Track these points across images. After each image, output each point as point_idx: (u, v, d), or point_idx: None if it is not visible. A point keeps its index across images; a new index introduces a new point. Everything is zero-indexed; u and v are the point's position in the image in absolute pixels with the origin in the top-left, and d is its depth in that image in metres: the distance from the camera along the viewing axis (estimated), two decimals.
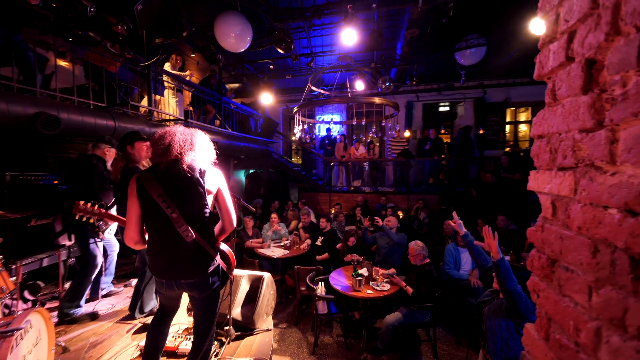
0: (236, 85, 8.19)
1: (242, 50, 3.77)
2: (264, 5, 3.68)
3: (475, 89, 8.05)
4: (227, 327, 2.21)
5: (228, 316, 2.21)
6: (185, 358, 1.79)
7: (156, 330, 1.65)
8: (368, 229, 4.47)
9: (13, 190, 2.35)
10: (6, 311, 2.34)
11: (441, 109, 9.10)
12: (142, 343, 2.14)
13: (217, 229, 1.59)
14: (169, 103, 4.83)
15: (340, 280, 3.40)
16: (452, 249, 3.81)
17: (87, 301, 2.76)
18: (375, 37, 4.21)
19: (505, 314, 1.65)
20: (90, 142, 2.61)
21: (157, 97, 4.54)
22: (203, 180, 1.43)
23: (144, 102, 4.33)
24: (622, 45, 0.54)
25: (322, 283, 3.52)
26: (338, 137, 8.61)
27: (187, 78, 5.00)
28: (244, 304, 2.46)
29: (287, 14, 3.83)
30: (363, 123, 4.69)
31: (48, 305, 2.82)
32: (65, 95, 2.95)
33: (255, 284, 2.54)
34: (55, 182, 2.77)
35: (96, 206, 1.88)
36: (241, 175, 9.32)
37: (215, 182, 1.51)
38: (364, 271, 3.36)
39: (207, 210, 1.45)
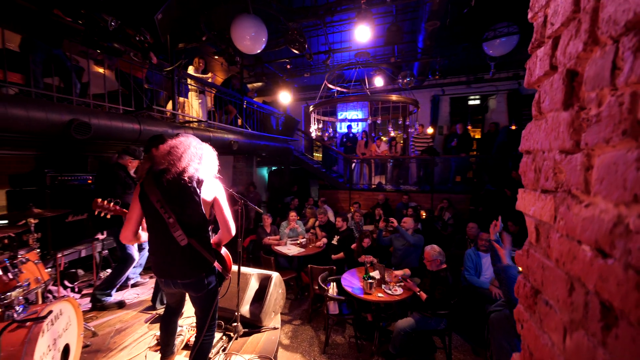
0: (258, 84, 8.36)
1: (258, 51, 3.84)
2: (276, 5, 3.70)
3: (509, 80, 7.43)
4: (235, 324, 2.30)
5: (236, 313, 2.30)
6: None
7: (165, 326, 1.80)
8: (384, 230, 4.37)
9: (52, 189, 2.64)
10: (50, 296, 2.64)
11: (471, 102, 8.55)
12: (159, 333, 2.31)
13: (217, 236, 1.68)
14: (192, 105, 5.07)
15: (352, 281, 3.38)
16: (472, 254, 3.60)
17: (117, 290, 3.03)
18: (394, 31, 4.03)
19: (511, 329, 1.53)
20: (119, 147, 2.81)
21: (182, 99, 4.79)
22: (199, 189, 1.50)
23: (170, 104, 4.59)
24: (598, 57, 0.47)
25: (334, 284, 3.52)
26: (359, 134, 8.47)
27: (209, 80, 5.20)
28: (252, 301, 2.55)
29: (300, 13, 3.81)
30: (379, 122, 4.55)
31: (85, 292, 3.14)
32: (97, 102, 3.22)
33: (264, 283, 2.61)
34: (89, 181, 3.05)
35: (112, 203, 2.03)
36: (264, 172, 9.56)
37: (212, 192, 1.58)
38: (375, 274, 3.30)
39: (203, 218, 1.52)
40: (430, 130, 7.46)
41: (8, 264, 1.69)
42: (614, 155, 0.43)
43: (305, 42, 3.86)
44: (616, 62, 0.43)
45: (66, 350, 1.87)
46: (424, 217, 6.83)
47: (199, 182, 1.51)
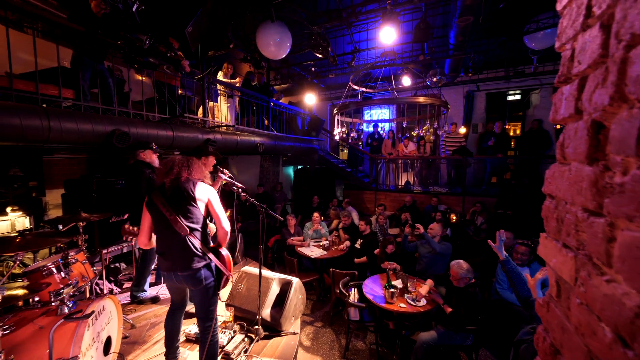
0: (284, 85, 8.47)
1: (283, 56, 3.88)
2: (300, 11, 3.70)
3: (555, 74, 6.72)
4: (256, 327, 2.39)
5: (258, 317, 2.39)
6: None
7: (168, 321, 2.00)
8: (409, 236, 4.25)
9: (98, 193, 2.93)
10: (96, 288, 2.95)
11: (510, 97, 7.90)
12: (188, 329, 2.49)
13: (218, 235, 1.90)
14: (221, 109, 5.29)
15: (374, 288, 3.34)
16: None
17: (152, 285, 3.30)
18: (423, 29, 3.82)
19: None
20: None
21: (212, 103, 5.02)
22: (194, 189, 1.77)
23: (201, 109, 4.84)
24: (625, 118, 0.41)
25: (356, 289, 3.50)
26: (385, 133, 8.25)
27: (237, 85, 5.38)
28: (273, 305, 2.63)
29: (324, 17, 3.77)
30: (404, 125, 4.37)
31: (126, 285, 3.46)
32: (137, 110, 3.49)
33: (285, 288, 2.67)
34: (121, 181, 3.33)
35: (136, 228, 2.23)
36: (290, 171, 9.73)
37: (206, 193, 1.83)
38: (398, 283, 3.23)
39: (199, 214, 1.79)
40: (462, 130, 7.02)
41: (61, 264, 1.92)
42: (637, 238, 0.38)
43: (328, 46, 3.83)
44: None
45: (108, 341, 2.08)
46: (454, 221, 6.51)
47: (194, 183, 1.79)
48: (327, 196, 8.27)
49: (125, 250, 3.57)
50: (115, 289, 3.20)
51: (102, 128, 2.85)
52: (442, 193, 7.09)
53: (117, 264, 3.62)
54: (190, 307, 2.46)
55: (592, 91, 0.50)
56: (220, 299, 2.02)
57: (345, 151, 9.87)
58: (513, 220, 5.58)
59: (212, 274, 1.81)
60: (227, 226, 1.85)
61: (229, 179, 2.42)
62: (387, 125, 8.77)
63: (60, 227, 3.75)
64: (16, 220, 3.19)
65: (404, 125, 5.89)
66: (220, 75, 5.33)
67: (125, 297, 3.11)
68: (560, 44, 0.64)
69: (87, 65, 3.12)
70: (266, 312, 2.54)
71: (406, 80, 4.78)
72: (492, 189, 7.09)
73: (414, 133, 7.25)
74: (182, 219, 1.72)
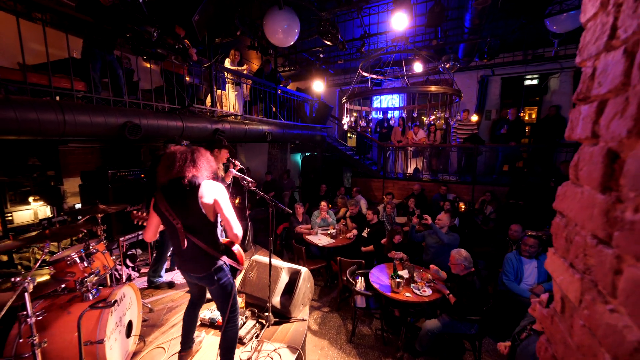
0: (292, 71, 8.31)
1: (291, 43, 3.79)
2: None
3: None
4: (267, 313, 2.51)
5: (268, 304, 2.50)
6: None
7: (187, 315, 2.05)
8: (417, 225, 4.26)
9: (113, 184, 3.03)
10: (116, 274, 3.11)
11: (527, 82, 7.57)
12: (202, 314, 2.62)
13: (227, 239, 1.86)
14: (229, 97, 5.27)
15: (380, 277, 3.41)
16: (513, 258, 3.37)
17: (167, 271, 3.46)
18: (437, 12, 3.64)
19: None
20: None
21: (219, 91, 5.00)
22: (199, 193, 1.62)
23: (209, 97, 4.83)
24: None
25: (362, 278, 3.58)
26: (395, 120, 8.09)
27: (245, 72, 5.32)
28: (283, 293, 2.73)
29: (333, 1, 3.62)
30: (414, 114, 4.27)
31: (143, 270, 3.64)
32: (146, 101, 3.52)
33: (294, 277, 2.77)
34: (142, 175, 3.42)
35: (145, 213, 2.31)
36: (298, 158, 9.74)
37: (212, 194, 1.67)
38: (404, 273, 3.28)
39: (206, 221, 1.67)
40: (474, 118, 6.81)
41: (83, 254, 2.03)
42: None
43: (337, 33, 3.70)
44: None
45: (130, 325, 2.22)
46: (463, 210, 6.47)
47: (197, 186, 1.63)
48: (335, 184, 8.29)
49: (140, 237, 3.73)
50: (133, 274, 3.36)
51: (115, 120, 2.90)
52: (452, 182, 7.01)
53: (134, 250, 3.79)
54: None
55: (610, 118, 0.49)
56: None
57: (354, 138, 9.76)
58: (524, 211, 5.51)
59: (226, 272, 1.80)
60: (238, 230, 1.75)
61: (239, 174, 2.46)
62: (396, 113, 8.58)
63: (80, 217, 3.92)
64: (38, 209, 3.36)
65: (414, 114, 5.75)
66: (227, 63, 5.27)
67: (143, 282, 3.28)
68: (581, 59, 0.62)
69: (96, 56, 3.14)
70: (276, 300, 2.64)
71: (418, 67, 4.62)
72: (504, 177, 6.97)
73: (425, 119, 7.08)
74: (190, 229, 1.66)
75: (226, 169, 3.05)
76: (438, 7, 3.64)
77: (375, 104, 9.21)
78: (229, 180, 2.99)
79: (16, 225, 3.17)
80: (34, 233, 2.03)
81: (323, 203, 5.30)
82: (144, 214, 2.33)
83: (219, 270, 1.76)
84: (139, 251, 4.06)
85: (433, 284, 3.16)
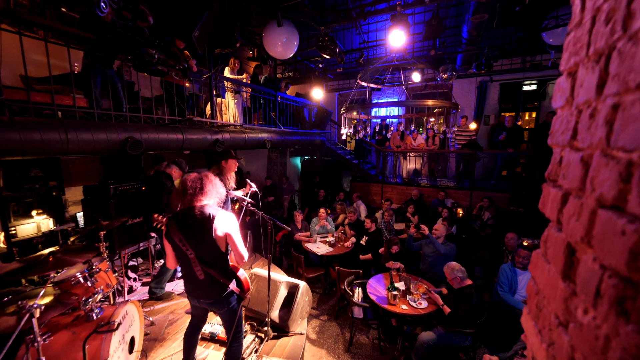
0: (291, 74, 8.34)
1: (290, 56, 3.83)
2: (308, 12, 3.59)
3: None
4: (266, 328, 2.57)
5: (267, 319, 2.56)
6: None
7: (188, 336, 2.10)
8: (413, 236, 4.32)
9: (115, 199, 3.08)
10: (119, 287, 3.17)
11: (525, 88, 7.60)
12: (203, 328, 2.68)
13: (235, 259, 1.91)
14: (229, 105, 5.31)
15: (377, 288, 3.47)
16: (507, 270, 3.43)
17: (168, 281, 3.52)
18: (434, 25, 3.67)
19: None
20: (166, 161, 3.15)
21: (219, 100, 5.05)
22: (213, 226, 1.68)
23: (209, 106, 4.87)
24: (589, 267, 0.46)
25: (360, 288, 3.64)
26: (393, 125, 8.13)
27: (244, 80, 5.36)
28: (281, 307, 2.79)
29: (332, 15, 3.65)
30: (411, 128, 4.31)
31: (144, 280, 3.70)
32: (146, 114, 3.57)
33: (292, 291, 2.83)
34: (143, 188, 3.47)
35: (165, 218, 2.37)
36: (297, 162, 9.79)
37: (224, 228, 1.73)
38: (400, 285, 3.34)
39: (218, 252, 1.75)
40: (473, 126, 6.84)
41: (87, 274, 2.08)
42: None
43: (336, 47, 3.74)
44: (600, 288, 0.43)
45: (132, 341, 2.29)
46: (460, 215, 6.54)
47: (212, 219, 1.68)
48: (334, 188, 8.34)
49: (142, 247, 3.80)
50: (135, 286, 3.43)
51: (116, 136, 2.95)
52: (450, 187, 7.06)
53: (135, 259, 3.85)
54: None
55: (570, 215, 0.54)
56: None
57: (353, 142, 9.81)
58: (524, 219, 5.56)
59: (235, 297, 1.87)
60: (245, 254, 1.82)
61: (239, 195, 2.51)
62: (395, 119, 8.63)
63: (82, 223, 3.97)
64: (41, 223, 3.42)
65: (411, 128, 5.81)
66: (227, 71, 5.31)
67: (144, 293, 3.34)
68: (551, 142, 0.67)
69: (97, 70, 3.18)
70: (275, 314, 2.71)
71: (416, 76, 4.65)
72: (502, 182, 7.02)
73: (424, 127, 7.11)
74: (203, 260, 1.71)
75: (241, 186, 3.08)
76: (435, 20, 3.67)
77: (374, 110, 9.24)
78: (242, 193, 2.99)
79: (20, 238, 3.23)
80: (38, 253, 2.06)
81: (322, 210, 5.35)
82: (164, 219, 2.41)
83: (230, 295, 1.84)
84: (140, 260, 4.13)
85: (429, 292, 3.22)
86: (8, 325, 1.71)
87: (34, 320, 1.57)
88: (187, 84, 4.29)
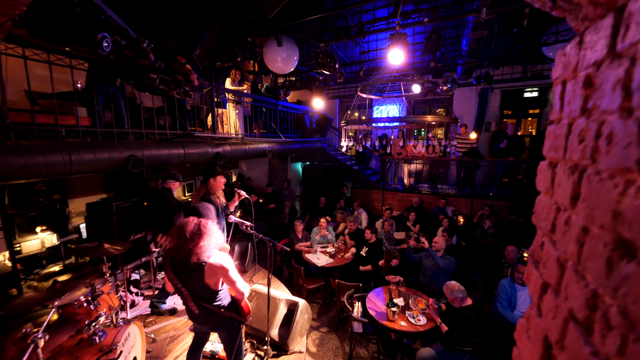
0: (292, 78, 8.35)
1: (291, 70, 3.86)
2: (308, 30, 3.62)
3: None
4: (265, 347, 2.60)
5: (267, 338, 2.59)
6: None
7: (190, 354, 2.16)
8: (413, 249, 4.33)
9: (118, 216, 3.13)
10: (122, 303, 3.21)
11: (527, 94, 7.59)
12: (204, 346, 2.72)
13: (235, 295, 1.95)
14: (230, 115, 5.36)
15: (377, 303, 3.49)
16: (507, 285, 3.44)
17: (171, 294, 3.56)
18: (434, 40, 3.68)
19: None
20: (160, 178, 3.23)
21: (220, 110, 5.09)
22: (204, 272, 1.73)
23: (210, 118, 4.92)
24: None
25: (359, 303, 3.66)
26: (394, 133, 8.15)
27: (245, 91, 5.40)
28: (281, 325, 2.82)
29: (331, 32, 3.68)
30: (411, 141, 4.32)
31: (146, 293, 3.74)
32: (148, 130, 3.62)
33: (292, 308, 2.86)
34: (145, 203, 3.52)
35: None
36: (298, 167, 9.83)
37: (219, 270, 1.77)
38: (399, 300, 3.36)
39: (211, 291, 1.80)
40: (473, 136, 6.84)
41: (90, 297, 2.13)
42: None
43: (335, 63, 3.77)
44: None
45: None
46: (461, 223, 6.55)
47: (203, 265, 1.73)
48: (335, 194, 8.37)
49: (144, 260, 3.84)
50: (137, 300, 3.47)
51: (118, 155, 2.99)
52: (451, 195, 7.07)
53: (138, 271, 3.90)
54: None
55: (547, 311, 0.56)
56: None
57: (354, 148, 9.83)
58: (525, 228, 5.56)
59: (234, 322, 1.93)
60: (244, 290, 1.86)
61: (239, 220, 2.55)
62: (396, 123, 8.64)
63: (85, 235, 4.03)
64: (45, 238, 3.47)
65: (412, 141, 5.84)
66: (228, 82, 5.35)
67: (146, 307, 3.38)
68: (535, 222, 0.69)
69: (100, 89, 3.23)
70: (274, 332, 2.74)
71: (416, 88, 4.67)
72: (503, 190, 7.01)
73: (424, 134, 7.09)
74: (196, 297, 1.77)
75: (231, 196, 3.19)
76: (435, 35, 3.69)
77: (376, 114, 9.25)
78: (232, 208, 3.12)
79: (24, 255, 3.29)
80: (45, 270, 2.12)
81: (322, 220, 5.38)
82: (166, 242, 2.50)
83: (226, 322, 1.90)
84: (142, 271, 4.18)
85: (428, 309, 3.24)
86: (11, 356, 1.76)
87: (39, 351, 1.61)
88: (189, 95, 4.34)
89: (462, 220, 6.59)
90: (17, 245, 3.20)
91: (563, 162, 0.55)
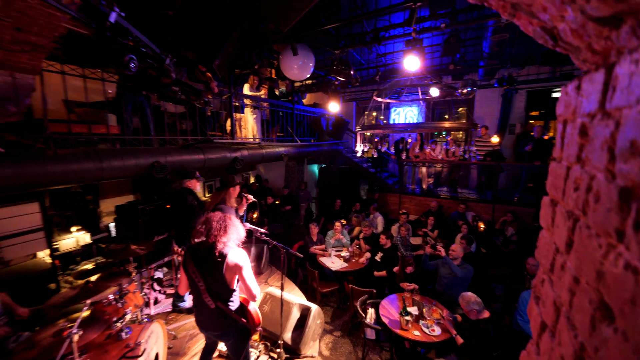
0: (308, 82, 8.42)
1: (307, 76, 3.92)
2: (323, 39, 3.66)
3: None
4: (279, 350, 2.67)
5: (280, 341, 2.66)
6: None
7: (203, 357, 2.26)
8: (429, 256, 4.25)
9: (142, 219, 3.33)
10: (146, 300, 3.40)
11: (555, 94, 7.18)
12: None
13: (244, 298, 2.05)
14: (248, 120, 5.51)
15: (390, 311, 3.46)
16: (528, 298, 3.29)
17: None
18: (452, 43, 3.58)
19: None
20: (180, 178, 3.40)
21: (238, 115, 5.25)
22: (224, 264, 1.81)
23: (229, 122, 5.09)
24: None
25: (373, 310, 3.65)
26: (410, 140, 8.00)
27: (262, 96, 5.54)
28: (294, 329, 2.89)
29: (346, 39, 3.69)
30: (428, 147, 4.23)
31: (168, 291, 3.94)
32: (171, 136, 3.82)
33: (305, 313, 2.91)
34: (168, 206, 3.71)
35: (180, 249, 2.56)
36: (315, 169, 9.89)
37: (237, 263, 1.85)
38: (413, 309, 3.32)
39: (227, 288, 1.87)
40: (495, 139, 6.54)
41: (118, 296, 2.29)
42: None
43: (350, 70, 3.78)
44: None
45: (156, 357, 2.48)
46: (482, 229, 6.31)
47: (224, 257, 1.81)
48: (351, 197, 8.34)
49: (166, 259, 4.05)
50: (160, 297, 3.67)
51: (144, 161, 3.18)
52: (471, 199, 6.84)
53: (161, 270, 4.12)
54: None
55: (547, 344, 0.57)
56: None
57: (370, 151, 9.75)
58: None
59: (240, 330, 1.99)
60: (256, 292, 1.92)
61: (253, 226, 2.64)
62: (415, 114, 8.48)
63: (114, 233, 4.30)
64: (79, 237, 3.77)
65: (429, 145, 5.70)
66: (246, 88, 5.50)
67: (168, 305, 3.58)
68: (537, 255, 0.69)
69: (128, 98, 3.47)
70: (287, 336, 2.80)
71: (434, 91, 4.56)
72: (528, 195, 6.67)
73: (443, 137, 6.90)
74: (212, 292, 1.84)
75: (239, 202, 3.30)
76: (454, 39, 3.58)
77: (393, 116, 9.11)
78: (242, 212, 3.23)
79: (61, 252, 3.59)
80: (79, 267, 2.34)
81: (337, 224, 5.40)
82: (180, 250, 2.73)
83: (235, 329, 1.96)
84: (165, 269, 4.41)
85: (442, 319, 3.18)
86: (48, 344, 1.94)
87: (74, 345, 1.77)
88: (209, 100, 4.53)
89: (482, 226, 6.34)
90: (56, 243, 3.50)
91: (562, 204, 0.56)
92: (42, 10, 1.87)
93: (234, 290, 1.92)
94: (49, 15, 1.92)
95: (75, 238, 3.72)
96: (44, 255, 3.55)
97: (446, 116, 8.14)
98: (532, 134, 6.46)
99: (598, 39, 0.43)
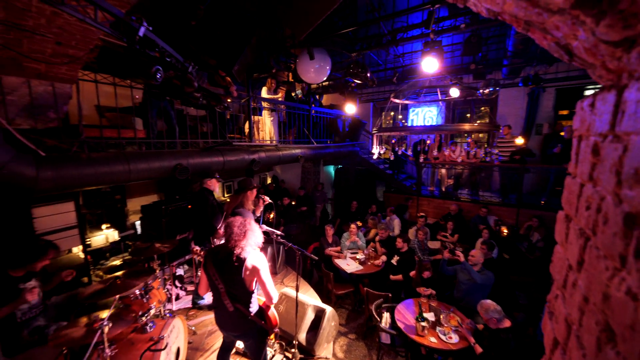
0: (325, 83, 8.45)
1: (323, 79, 3.95)
2: (340, 42, 3.68)
3: None
4: (293, 350, 2.72)
5: (294, 342, 2.71)
6: None
7: (220, 355, 2.34)
8: (448, 261, 4.14)
9: (166, 218, 3.51)
10: (169, 295, 3.58)
11: (588, 92, 6.76)
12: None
13: (264, 302, 2.10)
14: (265, 122, 5.63)
15: (406, 316, 3.42)
16: None
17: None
18: (474, 43, 3.47)
19: None
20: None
21: (256, 118, 5.38)
22: (243, 268, 1.87)
23: (247, 125, 5.24)
24: None
25: (388, 314, 3.62)
26: (431, 137, 7.81)
27: (280, 98, 5.64)
28: (309, 330, 2.93)
29: (363, 42, 3.68)
30: (451, 146, 4.11)
31: (189, 288, 4.12)
32: (193, 139, 3.99)
33: (319, 315, 2.94)
34: (189, 206, 3.88)
35: (199, 249, 2.68)
36: (331, 170, 9.91)
37: (256, 265, 1.91)
38: (430, 315, 3.25)
39: (246, 291, 1.93)
40: (520, 141, 6.21)
41: (143, 291, 2.44)
42: None
43: (367, 72, 3.77)
44: None
45: (177, 351, 2.60)
46: (505, 234, 6.05)
47: (243, 260, 1.87)
48: (368, 198, 8.28)
49: (187, 257, 4.24)
50: (181, 294, 3.84)
51: (168, 164, 3.35)
52: (493, 203, 6.58)
53: (182, 267, 4.32)
54: None
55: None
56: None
57: (387, 153, 9.62)
58: None
59: (259, 333, 2.05)
60: (274, 295, 1.98)
61: (269, 228, 2.70)
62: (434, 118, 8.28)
63: (139, 231, 4.53)
64: (109, 234, 4.03)
65: (449, 147, 5.55)
66: (264, 91, 5.63)
67: (189, 301, 3.73)
68: (551, 271, 0.68)
69: (154, 104, 3.66)
70: (302, 336, 2.85)
71: (454, 92, 4.44)
72: (556, 199, 6.32)
73: (464, 137, 6.67)
74: (231, 295, 1.90)
75: (256, 203, 3.39)
76: (475, 38, 3.46)
77: (412, 116, 8.95)
78: (258, 214, 3.30)
79: (93, 248, 3.87)
80: (109, 263, 2.50)
81: (352, 226, 5.38)
82: (199, 250, 2.83)
83: (253, 330, 2.02)
84: (186, 267, 4.60)
85: (461, 327, 3.09)
86: (80, 334, 2.09)
87: (105, 336, 1.90)
88: (228, 104, 4.70)
89: (505, 231, 6.09)
90: (88, 239, 3.77)
91: (575, 221, 0.55)
92: (79, 25, 2.03)
93: (253, 292, 1.98)
94: (85, 30, 2.08)
95: (105, 235, 3.99)
96: (77, 250, 3.83)
97: (467, 115, 7.88)
98: (562, 134, 6.11)
99: (611, 59, 0.43)
